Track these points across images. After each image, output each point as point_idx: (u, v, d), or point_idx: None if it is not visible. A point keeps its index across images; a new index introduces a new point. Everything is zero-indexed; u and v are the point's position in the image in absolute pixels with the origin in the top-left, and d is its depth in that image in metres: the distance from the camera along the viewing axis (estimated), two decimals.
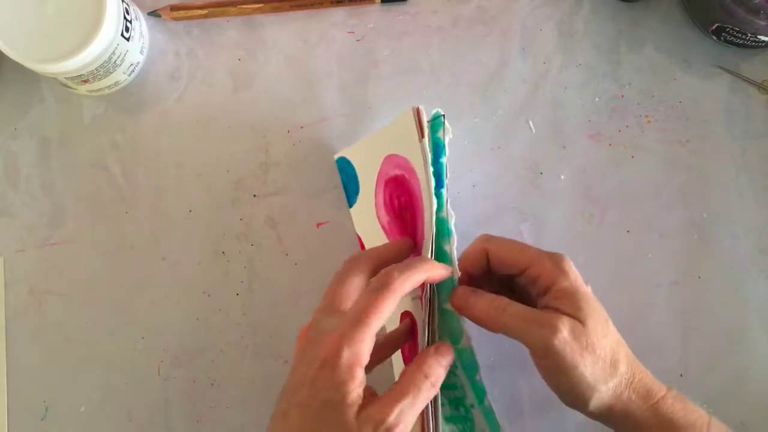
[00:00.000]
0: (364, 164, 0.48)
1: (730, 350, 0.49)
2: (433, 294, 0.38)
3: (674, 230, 0.51)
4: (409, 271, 0.35)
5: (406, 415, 0.33)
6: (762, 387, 0.49)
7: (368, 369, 0.39)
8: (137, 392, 0.49)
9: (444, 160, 0.39)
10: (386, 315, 0.34)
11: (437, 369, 0.35)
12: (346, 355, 0.33)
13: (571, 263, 0.38)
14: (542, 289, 0.38)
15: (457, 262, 0.39)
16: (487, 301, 0.38)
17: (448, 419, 0.42)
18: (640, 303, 0.50)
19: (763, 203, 0.51)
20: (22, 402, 0.49)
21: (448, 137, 0.39)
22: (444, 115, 0.39)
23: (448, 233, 0.38)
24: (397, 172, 0.43)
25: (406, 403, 0.33)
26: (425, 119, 0.39)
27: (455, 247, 0.39)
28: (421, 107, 0.38)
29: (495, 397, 0.37)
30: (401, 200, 0.43)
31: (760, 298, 0.50)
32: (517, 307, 0.37)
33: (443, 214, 0.38)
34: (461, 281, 0.39)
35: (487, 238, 0.40)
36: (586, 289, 0.38)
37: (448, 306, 0.38)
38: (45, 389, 0.50)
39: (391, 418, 0.32)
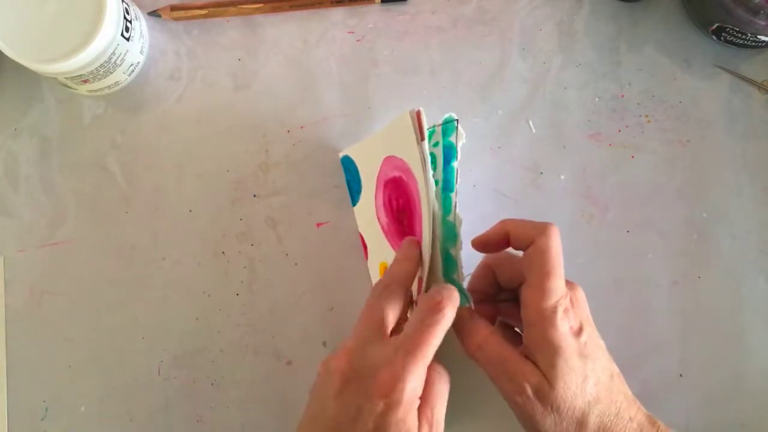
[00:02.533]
0: (366, 164, 0.48)
1: (730, 350, 0.49)
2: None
3: (674, 230, 0.51)
4: (455, 298, 0.35)
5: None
6: (762, 387, 0.49)
7: None
8: (137, 392, 0.49)
9: (455, 164, 0.39)
10: (438, 344, 0.33)
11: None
12: (408, 391, 0.31)
13: (564, 305, 0.35)
14: (525, 320, 0.36)
15: (462, 268, 0.38)
16: (469, 330, 0.36)
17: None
18: (640, 303, 0.50)
19: (763, 203, 0.51)
20: (22, 402, 0.49)
21: (461, 142, 0.39)
22: (458, 120, 0.39)
23: (455, 237, 0.38)
24: (396, 173, 0.42)
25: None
26: (425, 122, 0.38)
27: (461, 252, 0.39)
28: (422, 110, 0.38)
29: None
30: (399, 202, 0.43)
31: (760, 298, 0.50)
32: (493, 348, 0.36)
33: (451, 218, 0.38)
34: (478, 269, 0.39)
35: (509, 222, 0.39)
36: (569, 343, 0.35)
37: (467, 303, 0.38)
38: (45, 389, 0.50)
39: None
